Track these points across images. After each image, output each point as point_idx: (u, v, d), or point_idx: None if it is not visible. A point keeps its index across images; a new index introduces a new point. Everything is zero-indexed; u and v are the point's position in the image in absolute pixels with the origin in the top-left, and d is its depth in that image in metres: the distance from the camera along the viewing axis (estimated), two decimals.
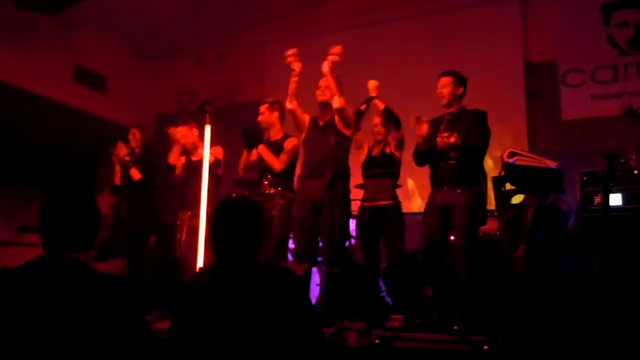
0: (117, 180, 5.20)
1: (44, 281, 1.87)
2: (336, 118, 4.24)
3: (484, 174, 3.90)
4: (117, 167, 5.17)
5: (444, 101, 3.96)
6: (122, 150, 5.12)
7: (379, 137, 4.34)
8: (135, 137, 5.22)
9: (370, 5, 6.99)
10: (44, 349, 1.79)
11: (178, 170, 4.98)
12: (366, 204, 4.28)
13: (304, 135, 4.36)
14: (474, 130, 3.81)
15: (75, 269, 1.92)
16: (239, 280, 1.93)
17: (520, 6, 6.40)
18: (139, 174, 5.00)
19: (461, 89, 3.96)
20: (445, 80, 3.96)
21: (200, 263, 3.74)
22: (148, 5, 6.66)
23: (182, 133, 4.96)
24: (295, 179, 4.45)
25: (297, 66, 4.25)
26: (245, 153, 4.66)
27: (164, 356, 1.96)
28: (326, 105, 4.29)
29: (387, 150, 4.30)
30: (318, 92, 4.29)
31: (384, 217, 4.19)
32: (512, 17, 6.40)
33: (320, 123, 4.33)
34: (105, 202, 5.54)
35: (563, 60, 6.14)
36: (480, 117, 3.88)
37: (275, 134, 4.56)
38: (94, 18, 6.64)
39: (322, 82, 4.27)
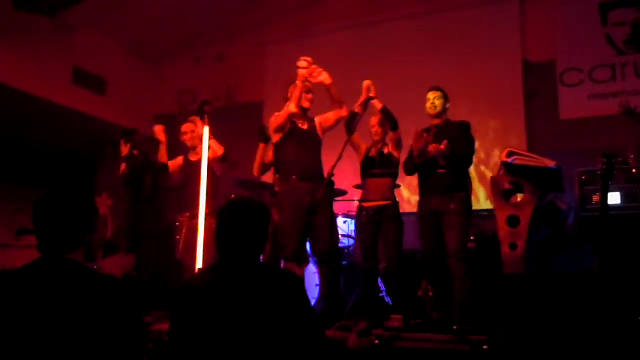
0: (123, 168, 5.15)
1: (43, 283, 1.87)
2: (319, 124, 4.25)
3: (470, 180, 4.12)
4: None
5: (435, 112, 4.11)
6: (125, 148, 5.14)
7: (377, 137, 4.36)
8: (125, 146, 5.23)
9: (370, 5, 6.99)
10: (44, 350, 1.79)
11: (174, 171, 4.98)
12: (365, 204, 4.29)
13: (280, 136, 4.22)
14: (462, 140, 4.00)
15: (73, 270, 1.92)
16: (239, 281, 1.94)
17: (519, 6, 6.40)
18: (126, 170, 5.00)
19: (448, 104, 4.16)
20: (437, 93, 4.14)
21: (199, 264, 3.74)
22: (147, 6, 6.66)
23: (189, 128, 4.93)
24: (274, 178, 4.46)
25: (307, 73, 4.11)
26: (260, 153, 4.67)
27: (165, 357, 1.96)
28: (307, 111, 4.27)
29: (386, 151, 4.31)
30: (306, 98, 4.18)
31: (382, 217, 4.20)
32: (511, 16, 6.40)
33: (302, 127, 4.23)
34: (104, 204, 5.55)
35: (561, 59, 6.14)
36: (465, 128, 4.10)
37: None
38: (93, 19, 6.63)
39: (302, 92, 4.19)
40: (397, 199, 4.41)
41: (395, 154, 4.32)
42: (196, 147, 4.85)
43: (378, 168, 4.29)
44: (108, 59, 7.25)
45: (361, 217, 4.30)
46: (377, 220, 4.21)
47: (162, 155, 4.96)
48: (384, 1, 6.96)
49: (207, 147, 4.01)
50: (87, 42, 6.93)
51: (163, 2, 6.71)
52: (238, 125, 6.43)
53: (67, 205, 2.00)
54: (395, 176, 4.37)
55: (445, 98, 4.14)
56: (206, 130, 4.01)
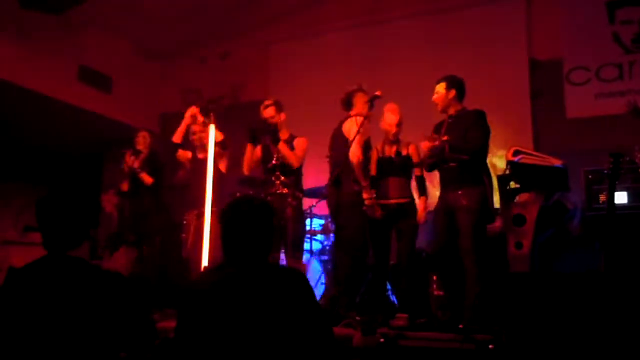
0: (125, 187, 5.24)
1: (50, 280, 1.88)
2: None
3: (487, 173, 3.90)
4: (126, 175, 5.23)
5: (438, 108, 4.02)
6: (131, 160, 5.19)
7: (392, 138, 4.34)
8: (145, 140, 5.28)
9: (375, 4, 6.97)
10: (53, 346, 1.80)
11: (183, 164, 5.00)
12: (381, 201, 4.25)
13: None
14: (473, 130, 3.82)
15: (80, 267, 1.93)
16: (245, 279, 1.94)
17: (525, 4, 6.38)
18: (150, 178, 5.06)
19: (453, 92, 3.96)
20: (437, 87, 4.01)
21: (205, 262, 3.75)
22: (153, 5, 6.67)
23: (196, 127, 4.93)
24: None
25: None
26: (249, 150, 4.68)
27: (171, 355, 1.97)
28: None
29: (404, 152, 4.30)
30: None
31: (398, 215, 4.20)
32: (517, 15, 6.38)
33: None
34: (110, 202, 5.55)
35: (568, 58, 6.11)
36: (478, 117, 3.89)
37: (282, 134, 4.58)
38: (99, 18, 6.65)
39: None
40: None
41: (414, 157, 4.33)
42: (203, 145, 4.85)
43: (395, 168, 4.29)
44: (114, 57, 7.27)
45: (375, 214, 4.28)
46: (392, 217, 4.21)
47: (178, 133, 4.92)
48: (388, 0, 6.95)
49: (212, 146, 4.01)
50: (94, 40, 6.95)
51: (169, 1, 6.72)
52: (243, 124, 6.42)
53: (68, 202, 2.02)
54: (410, 175, 4.37)
55: (449, 87, 3.95)
56: (212, 129, 4.02)
